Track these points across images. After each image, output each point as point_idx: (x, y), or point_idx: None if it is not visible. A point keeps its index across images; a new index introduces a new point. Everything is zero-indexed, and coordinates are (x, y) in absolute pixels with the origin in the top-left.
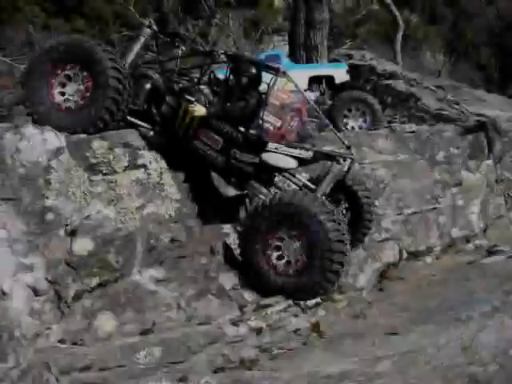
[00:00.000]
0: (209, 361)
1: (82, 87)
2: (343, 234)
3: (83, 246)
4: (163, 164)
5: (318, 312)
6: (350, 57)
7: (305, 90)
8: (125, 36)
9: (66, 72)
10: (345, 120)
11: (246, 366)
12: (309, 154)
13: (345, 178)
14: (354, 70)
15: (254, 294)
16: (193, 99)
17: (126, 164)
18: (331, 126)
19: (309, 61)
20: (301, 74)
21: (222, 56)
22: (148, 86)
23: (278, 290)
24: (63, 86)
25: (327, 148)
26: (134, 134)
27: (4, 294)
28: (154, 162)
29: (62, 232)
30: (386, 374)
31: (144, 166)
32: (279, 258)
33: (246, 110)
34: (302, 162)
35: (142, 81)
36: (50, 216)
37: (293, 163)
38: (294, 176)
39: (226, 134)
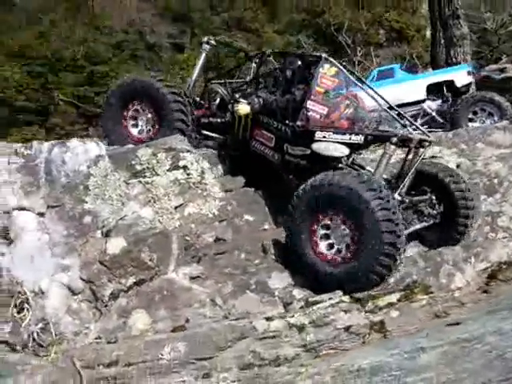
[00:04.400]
0: (236, 357)
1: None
2: (396, 224)
3: (116, 245)
4: (205, 164)
5: (390, 312)
6: (502, 71)
7: (423, 101)
8: None
9: (136, 107)
10: (470, 124)
11: (278, 363)
12: (360, 138)
13: (427, 167)
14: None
15: (306, 291)
16: (240, 100)
17: (168, 167)
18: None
19: None
20: (417, 84)
21: (270, 55)
22: (217, 99)
23: (326, 280)
24: (135, 119)
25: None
26: (177, 139)
27: (42, 292)
28: (195, 162)
29: (98, 233)
30: (430, 367)
31: (185, 167)
32: (328, 245)
33: (291, 103)
34: (354, 147)
35: (211, 96)
36: (87, 219)
37: (344, 150)
38: (354, 164)
39: (275, 130)
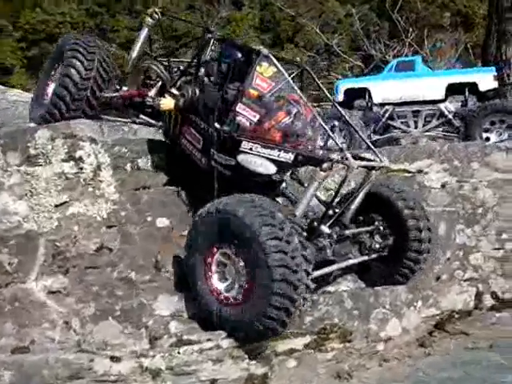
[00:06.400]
0: None
1: None
2: (292, 258)
3: None
4: (105, 158)
5: (287, 361)
6: None
7: (441, 101)
8: None
9: None
10: (485, 134)
11: None
12: (289, 157)
13: (378, 192)
14: None
15: (189, 324)
16: (173, 92)
17: (63, 156)
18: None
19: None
20: (437, 82)
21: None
22: (158, 81)
23: (218, 321)
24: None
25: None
26: (85, 124)
27: None
28: (92, 155)
29: None
30: None
31: (79, 158)
32: (222, 280)
33: (221, 103)
34: (282, 165)
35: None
36: None
37: (271, 168)
38: (294, 179)
39: (203, 131)
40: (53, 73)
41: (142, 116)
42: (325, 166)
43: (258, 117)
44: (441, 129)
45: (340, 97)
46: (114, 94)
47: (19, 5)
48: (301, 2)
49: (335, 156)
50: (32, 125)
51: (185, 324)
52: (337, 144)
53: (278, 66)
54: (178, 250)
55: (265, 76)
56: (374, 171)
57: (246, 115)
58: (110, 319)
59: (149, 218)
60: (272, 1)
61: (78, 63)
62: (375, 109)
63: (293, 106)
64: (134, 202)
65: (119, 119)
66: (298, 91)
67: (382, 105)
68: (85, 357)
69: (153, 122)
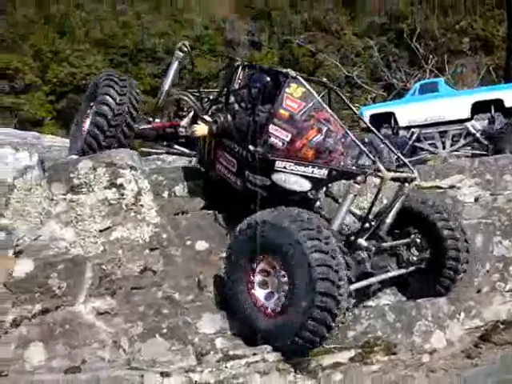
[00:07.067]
0: None
1: None
2: (336, 272)
3: (23, 268)
4: (144, 184)
5: (333, 375)
6: None
7: (467, 119)
8: None
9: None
10: None
11: None
12: (323, 173)
13: (412, 206)
14: None
15: (234, 341)
16: (203, 117)
17: (105, 184)
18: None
19: None
20: (462, 101)
21: (240, 66)
22: (190, 111)
23: (262, 334)
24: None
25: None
26: (124, 152)
27: None
28: (133, 181)
29: (10, 253)
30: None
31: (120, 185)
32: (266, 293)
33: (253, 125)
34: (316, 182)
35: (178, 105)
36: (1, 235)
37: (305, 184)
38: (328, 196)
39: (237, 154)
40: (88, 111)
41: (175, 146)
42: (359, 178)
43: (290, 136)
44: (469, 148)
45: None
46: (148, 126)
47: (48, 60)
48: (319, 38)
49: (368, 168)
50: (74, 157)
51: (230, 340)
52: (369, 157)
53: (307, 86)
54: (219, 271)
55: (294, 97)
56: (406, 184)
57: (278, 135)
58: (157, 337)
59: (188, 242)
60: (291, 39)
61: (111, 100)
62: (401, 132)
63: (323, 124)
64: (174, 226)
65: (155, 150)
66: (328, 109)
67: (407, 128)
68: (135, 373)
69: (187, 151)
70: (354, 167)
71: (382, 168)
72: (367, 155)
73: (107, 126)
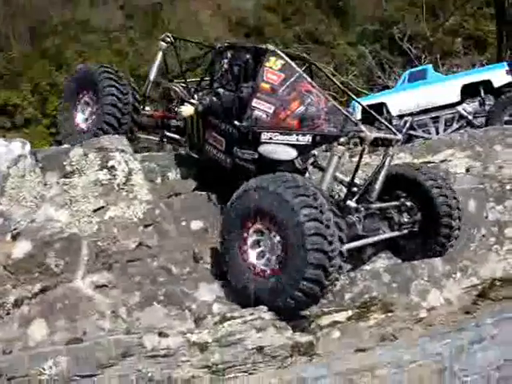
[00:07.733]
0: (121, 376)
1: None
2: (327, 227)
3: (21, 249)
4: (135, 165)
5: (332, 332)
6: None
7: (458, 103)
8: None
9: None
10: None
11: None
12: (307, 139)
13: (407, 169)
14: None
15: (231, 305)
16: (189, 100)
17: (97, 168)
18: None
19: None
20: (451, 85)
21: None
22: (175, 99)
23: (256, 295)
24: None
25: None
26: (113, 138)
27: None
28: (123, 163)
29: (8, 237)
30: None
31: (112, 167)
32: (258, 253)
33: (238, 101)
34: (302, 149)
35: (168, 95)
36: None
37: (292, 152)
38: (315, 166)
39: (224, 132)
40: (77, 103)
41: (167, 133)
42: (342, 140)
43: (273, 108)
44: (462, 131)
45: (358, 115)
46: (148, 115)
47: (46, 93)
48: (313, 49)
49: (351, 130)
50: (65, 145)
51: (227, 305)
52: (351, 120)
53: (285, 57)
54: (215, 245)
55: (274, 69)
56: (391, 148)
57: (261, 108)
58: (154, 304)
59: (183, 223)
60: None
61: (116, 91)
62: (394, 122)
63: (306, 95)
64: (168, 206)
65: (150, 137)
66: (309, 79)
67: (400, 117)
68: (134, 336)
69: (178, 137)
70: (336, 130)
71: (364, 129)
72: (349, 118)
73: (120, 114)
